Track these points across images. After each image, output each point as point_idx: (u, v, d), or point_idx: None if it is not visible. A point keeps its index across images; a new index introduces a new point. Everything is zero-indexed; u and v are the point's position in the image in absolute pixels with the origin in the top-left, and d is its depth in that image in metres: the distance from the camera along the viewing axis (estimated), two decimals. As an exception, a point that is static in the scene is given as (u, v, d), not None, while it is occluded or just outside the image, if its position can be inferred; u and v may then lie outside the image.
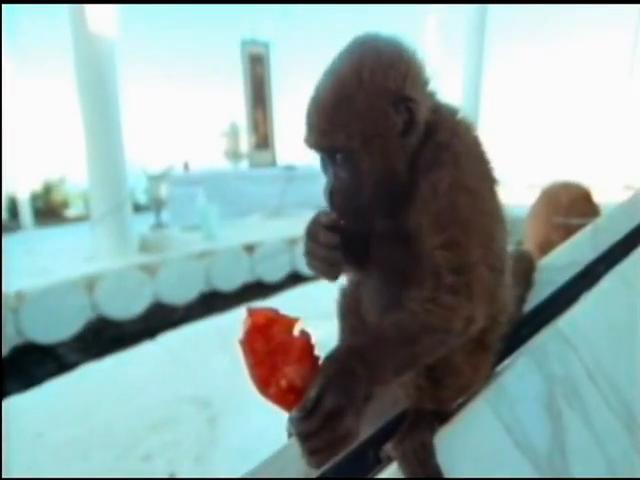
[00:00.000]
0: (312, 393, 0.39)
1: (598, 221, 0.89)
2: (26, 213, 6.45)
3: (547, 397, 0.55)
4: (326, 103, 0.48)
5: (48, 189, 7.60)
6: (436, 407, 0.51)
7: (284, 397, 0.42)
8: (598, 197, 1.43)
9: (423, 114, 0.48)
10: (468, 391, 0.53)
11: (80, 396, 2.44)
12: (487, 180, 0.50)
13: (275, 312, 0.46)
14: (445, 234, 0.45)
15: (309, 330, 0.46)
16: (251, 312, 0.45)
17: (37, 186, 7.35)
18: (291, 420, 0.41)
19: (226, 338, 3.00)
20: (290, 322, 0.45)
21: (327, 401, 0.38)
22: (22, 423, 2.14)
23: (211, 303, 4.12)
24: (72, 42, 3.87)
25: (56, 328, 3.30)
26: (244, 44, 7.11)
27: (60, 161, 7.86)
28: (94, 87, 3.95)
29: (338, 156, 0.49)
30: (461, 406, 0.53)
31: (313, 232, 0.50)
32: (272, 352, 0.43)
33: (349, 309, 0.61)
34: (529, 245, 1.54)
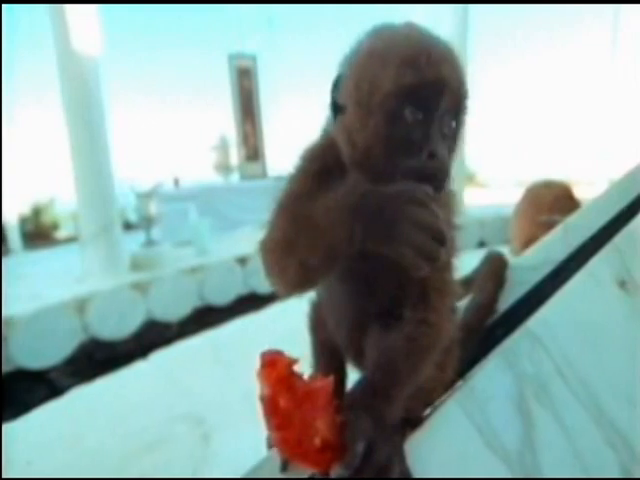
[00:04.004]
0: (359, 448, 0.37)
1: (569, 219, 0.90)
2: (15, 237, 6.39)
3: (517, 396, 0.55)
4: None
5: (37, 211, 7.56)
6: (405, 414, 0.51)
7: (319, 458, 0.37)
8: (582, 193, 1.46)
9: None
10: (436, 395, 0.54)
11: (70, 421, 2.39)
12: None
13: (281, 353, 0.41)
14: None
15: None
16: (267, 359, 0.39)
17: (26, 209, 7.31)
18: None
19: (219, 352, 2.97)
20: (292, 362, 0.42)
21: (380, 455, 0.38)
22: (11, 452, 2.08)
23: (205, 318, 4.08)
24: (56, 62, 3.86)
25: (47, 353, 3.25)
26: (231, 58, 7.19)
27: (49, 183, 7.84)
28: (80, 106, 3.95)
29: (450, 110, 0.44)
30: (434, 410, 0.53)
31: (412, 213, 0.37)
32: (299, 407, 0.38)
33: (319, 323, 0.61)
34: (516, 243, 1.57)
